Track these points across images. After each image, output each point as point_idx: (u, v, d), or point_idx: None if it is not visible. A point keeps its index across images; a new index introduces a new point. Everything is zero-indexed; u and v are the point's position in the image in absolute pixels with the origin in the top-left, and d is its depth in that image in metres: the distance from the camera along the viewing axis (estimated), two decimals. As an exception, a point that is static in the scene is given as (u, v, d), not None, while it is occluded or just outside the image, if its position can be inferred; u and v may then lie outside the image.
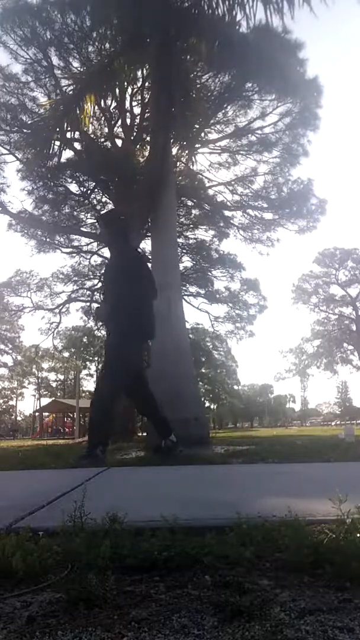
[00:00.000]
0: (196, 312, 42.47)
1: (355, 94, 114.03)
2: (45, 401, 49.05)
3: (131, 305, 4.35)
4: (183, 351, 6.82)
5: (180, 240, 16.86)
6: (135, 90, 14.47)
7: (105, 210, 12.30)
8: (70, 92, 10.87)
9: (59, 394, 56.02)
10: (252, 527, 1.41)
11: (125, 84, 12.01)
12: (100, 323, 5.21)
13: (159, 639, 0.86)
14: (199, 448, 5.45)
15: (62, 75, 13.20)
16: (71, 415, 40.33)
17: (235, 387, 50.49)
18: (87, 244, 18.22)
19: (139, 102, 14.97)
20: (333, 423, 55.64)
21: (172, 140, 8.29)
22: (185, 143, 9.85)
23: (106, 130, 15.39)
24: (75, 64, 13.14)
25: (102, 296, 4.95)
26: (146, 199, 7.76)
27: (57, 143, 8.92)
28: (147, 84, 12.46)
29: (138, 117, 15.18)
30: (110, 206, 16.51)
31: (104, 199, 16.75)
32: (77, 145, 14.73)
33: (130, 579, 1.16)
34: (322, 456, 4.58)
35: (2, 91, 13.47)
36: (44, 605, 1.02)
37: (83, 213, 17.24)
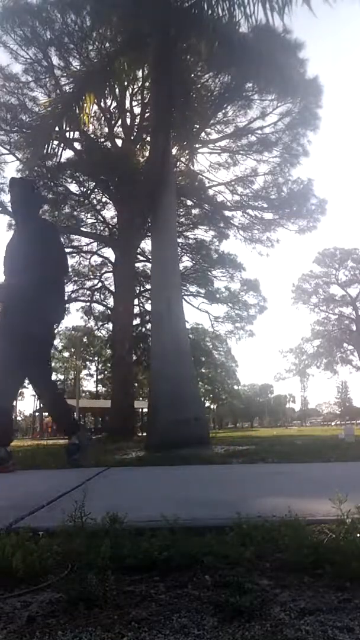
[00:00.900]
0: (196, 312, 42.49)
1: (355, 94, 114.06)
2: (45, 401, 48.89)
3: (33, 285, 3.85)
4: (183, 351, 6.82)
5: (180, 240, 16.87)
6: (135, 90, 14.49)
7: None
8: (70, 92, 10.88)
9: (59, 394, 55.90)
10: (252, 527, 1.41)
11: (126, 83, 12.01)
12: None
13: (159, 639, 0.85)
14: (199, 448, 5.45)
15: (62, 75, 13.21)
16: (71, 415, 40.21)
17: (235, 387, 50.49)
18: (87, 244, 18.26)
19: (139, 102, 15.00)
20: (333, 423, 55.68)
21: (172, 140, 8.28)
22: (185, 143, 9.84)
23: (106, 130, 15.41)
24: (75, 63, 13.18)
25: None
26: (146, 199, 7.76)
27: (56, 142, 8.90)
28: (147, 84, 12.46)
29: (138, 117, 15.20)
30: (111, 206, 16.50)
31: (104, 199, 16.77)
32: (77, 145, 14.74)
33: (130, 579, 1.16)
34: (322, 456, 4.58)
35: (2, 91, 13.49)
36: (44, 605, 1.02)
37: (83, 213, 17.27)
